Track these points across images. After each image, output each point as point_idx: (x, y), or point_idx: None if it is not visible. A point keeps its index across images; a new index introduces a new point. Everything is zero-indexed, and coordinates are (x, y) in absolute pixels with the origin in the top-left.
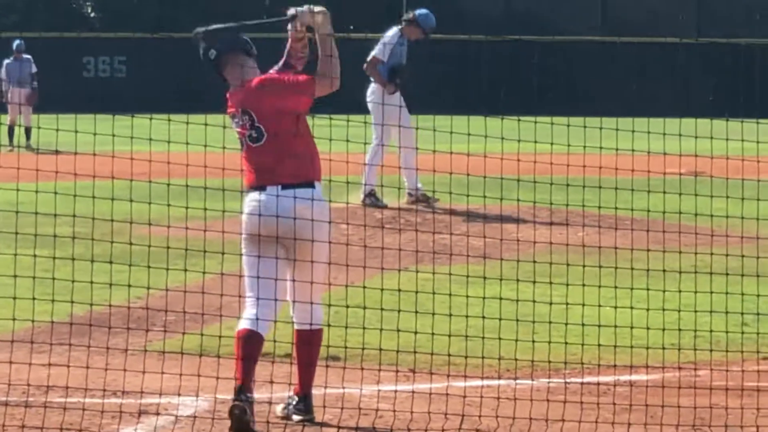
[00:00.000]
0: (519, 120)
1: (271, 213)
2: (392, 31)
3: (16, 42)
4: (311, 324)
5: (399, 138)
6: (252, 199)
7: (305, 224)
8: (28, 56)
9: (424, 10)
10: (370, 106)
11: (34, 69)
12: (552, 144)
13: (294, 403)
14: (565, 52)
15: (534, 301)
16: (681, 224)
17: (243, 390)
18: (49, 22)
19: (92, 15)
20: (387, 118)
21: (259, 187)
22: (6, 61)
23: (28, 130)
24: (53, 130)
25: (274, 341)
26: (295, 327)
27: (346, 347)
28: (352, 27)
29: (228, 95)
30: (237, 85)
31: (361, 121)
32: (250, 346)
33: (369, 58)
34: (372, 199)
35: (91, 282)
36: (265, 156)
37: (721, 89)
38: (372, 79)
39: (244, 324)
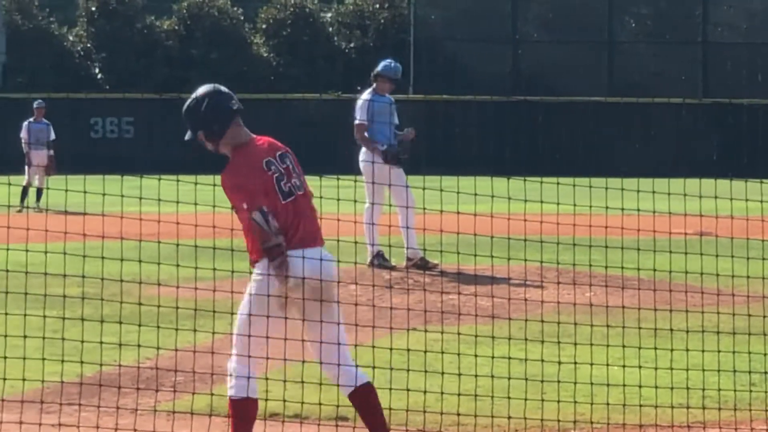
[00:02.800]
0: (525, 180)
1: (331, 277)
2: (365, 92)
3: (37, 101)
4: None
5: (392, 198)
6: (312, 256)
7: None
8: (48, 122)
9: (385, 61)
10: (361, 165)
11: (52, 136)
12: (558, 204)
13: None
14: (571, 112)
15: (542, 361)
16: (687, 284)
17: None
18: (57, 83)
19: (99, 76)
20: (378, 177)
21: (310, 244)
22: (27, 122)
23: (39, 191)
24: (62, 190)
25: (284, 401)
26: (347, 391)
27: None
28: (359, 87)
29: (244, 150)
30: (242, 142)
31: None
32: (255, 411)
33: (356, 124)
34: (380, 260)
35: (101, 342)
36: (305, 208)
37: (725, 149)
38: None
39: (253, 391)
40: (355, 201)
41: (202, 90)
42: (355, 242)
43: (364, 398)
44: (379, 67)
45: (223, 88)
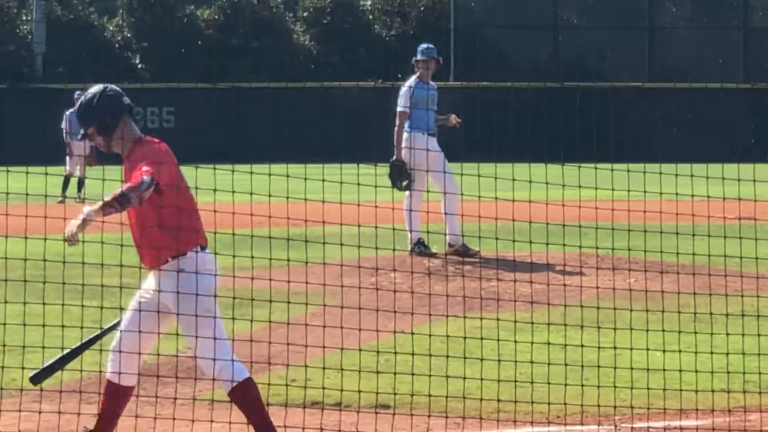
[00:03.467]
0: (563, 166)
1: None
2: (409, 79)
3: (77, 92)
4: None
5: (433, 184)
6: (211, 257)
7: None
8: None
9: (422, 45)
10: (403, 152)
11: None
12: (596, 189)
13: None
14: (610, 98)
15: (582, 347)
16: (727, 269)
17: None
18: (97, 73)
19: (140, 66)
20: (420, 164)
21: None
22: (68, 112)
23: (81, 182)
24: (100, 180)
25: (324, 389)
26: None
27: (395, 394)
28: (399, 75)
29: (146, 142)
30: (139, 137)
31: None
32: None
33: (398, 112)
34: (420, 248)
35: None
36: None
37: (764, 133)
38: (407, 128)
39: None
40: (394, 188)
41: (94, 88)
42: (394, 229)
43: None
44: (418, 51)
45: (115, 86)
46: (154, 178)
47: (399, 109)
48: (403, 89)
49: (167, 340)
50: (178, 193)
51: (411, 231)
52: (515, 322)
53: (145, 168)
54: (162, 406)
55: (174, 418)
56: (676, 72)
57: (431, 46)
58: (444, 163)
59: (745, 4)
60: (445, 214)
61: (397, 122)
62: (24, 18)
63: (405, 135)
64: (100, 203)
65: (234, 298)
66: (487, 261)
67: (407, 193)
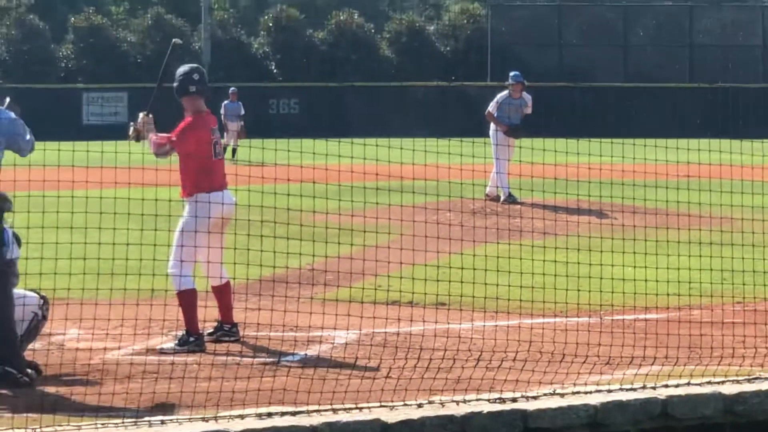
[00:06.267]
0: (567, 140)
1: (231, 213)
2: (502, 93)
3: (232, 88)
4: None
5: (499, 152)
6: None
7: None
8: (239, 102)
9: (512, 72)
10: (490, 133)
11: (242, 111)
12: (589, 156)
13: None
14: (598, 94)
15: (578, 264)
16: (679, 211)
17: None
18: (246, 76)
19: (275, 71)
20: (501, 140)
21: (224, 187)
22: (225, 103)
23: (234, 151)
24: (247, 147)
25: (400, 292)
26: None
27: (449, 296)
28: (453, 77)
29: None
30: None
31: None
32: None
33: (486, 112)
34: (512, 198)
35: (274, 252)
36: (222, 167)
37: (708, 121)
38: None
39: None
40: (473, 156)
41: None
42: (449, 183)
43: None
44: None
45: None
46: (174, 145)
47: (489, 108)
48: (495, 98)
49: (293, 258)
50: (196, 154)
51: (504, 187)
52: (532, 246)
53: (174, 138)
54: (289, 304)
55: (298, 312)
56: (643, 76)
57: (517, 73)
58: (513, 141)
59: (691, 28)
60: (499, 173)
61: (488, 117)
62: (194, 38)
63: (493, 125)
64: (157, 137)
65: (339, 229)
66: (513, 204)
67: (494, 160)
